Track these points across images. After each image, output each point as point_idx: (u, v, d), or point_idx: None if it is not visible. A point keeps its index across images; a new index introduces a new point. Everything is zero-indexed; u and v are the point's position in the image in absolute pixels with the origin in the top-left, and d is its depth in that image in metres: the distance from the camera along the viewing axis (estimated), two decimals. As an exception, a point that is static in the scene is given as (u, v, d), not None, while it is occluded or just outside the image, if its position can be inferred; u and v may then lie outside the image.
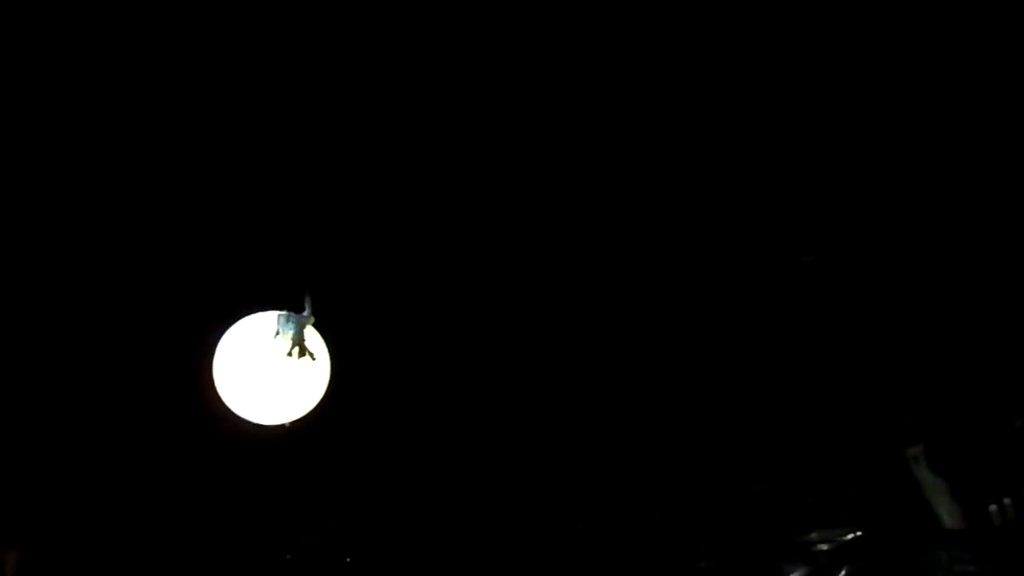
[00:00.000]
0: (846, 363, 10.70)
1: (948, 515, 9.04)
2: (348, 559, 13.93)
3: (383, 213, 10.27)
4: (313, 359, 9.33)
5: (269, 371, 9.72)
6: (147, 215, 10.12)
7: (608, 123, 9.22)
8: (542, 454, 11.74)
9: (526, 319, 11.35)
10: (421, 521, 12.68)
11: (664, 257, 10.57)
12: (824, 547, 8.39)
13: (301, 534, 14.30)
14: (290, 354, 9.19)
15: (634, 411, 11.40)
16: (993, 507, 8.54)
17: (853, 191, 9.94)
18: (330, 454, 12.64)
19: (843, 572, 8.24)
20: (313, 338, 9.39)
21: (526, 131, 9.21)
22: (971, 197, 9.73)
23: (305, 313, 9.50)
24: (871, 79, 8.96)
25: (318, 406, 9.27)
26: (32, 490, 14.19)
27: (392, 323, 11.37)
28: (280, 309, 9.59)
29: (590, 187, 9.93)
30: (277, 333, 9.40)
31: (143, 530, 14.81)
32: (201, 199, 10.13)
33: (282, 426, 10.17)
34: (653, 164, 9.70)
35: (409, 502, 12.61)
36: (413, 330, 11.36)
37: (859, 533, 8.20)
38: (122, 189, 9.88)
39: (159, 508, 14.46)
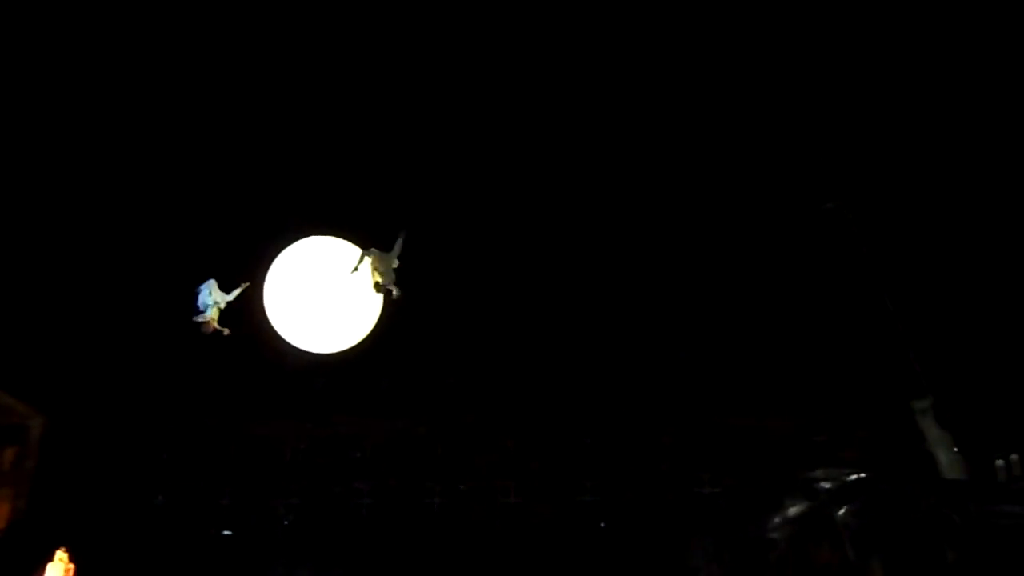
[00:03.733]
0: (864, 311, 10.88)
1: (949, 466, 9.34)
2: (358, 454, 14.40)
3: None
4: (394, 297, 9.36)
5: (322, 299, 9.84)
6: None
7: (646, 71, 9.31)
8: (560, 374, 12.05)
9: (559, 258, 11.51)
10: (446, 431, 13.06)
11: (691, 199, 10.67)
12: (827, 485, 8.64)
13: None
14: (378, 289, 9.28)
15: (656, 341, 11.65)
16: (1000, 462, 8.83)
17: (876, 144, 9.98)
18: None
19: (842, 511, 8.48)
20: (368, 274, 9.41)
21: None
22: (991, 152, 9.76)
23: (395, 252, 9.57)
24: (896, 42, 8.97)
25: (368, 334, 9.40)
26: (58, 360, 14.56)
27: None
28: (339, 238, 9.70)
29: (621, 136, 10.06)
30: (356, 268, 9.46)
31: (159, 405, 15.22)
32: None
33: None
34: (689, 114, 9.79)
35: (436, 416, 12.97)
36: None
37: (862, 475, 8.47)
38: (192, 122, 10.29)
39: (181, 388, 14.83)
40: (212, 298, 11.56)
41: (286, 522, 14.78)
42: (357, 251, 9.80)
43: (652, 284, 11.31)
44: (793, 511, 8.96)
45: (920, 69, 9.33)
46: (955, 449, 9.53)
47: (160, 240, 13.40)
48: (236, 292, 11.32)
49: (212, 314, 11.37)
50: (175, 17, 9.75)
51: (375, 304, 10.00)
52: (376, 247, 9.57)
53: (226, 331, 10.92)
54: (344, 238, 10.32)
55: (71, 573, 14.05)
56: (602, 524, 11.89)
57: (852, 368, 10.94)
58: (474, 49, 9.62)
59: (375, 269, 9.30)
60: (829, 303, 10.95)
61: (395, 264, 9.79)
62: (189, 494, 15.42)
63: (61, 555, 14.05)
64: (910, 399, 10.30)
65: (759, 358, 11.31)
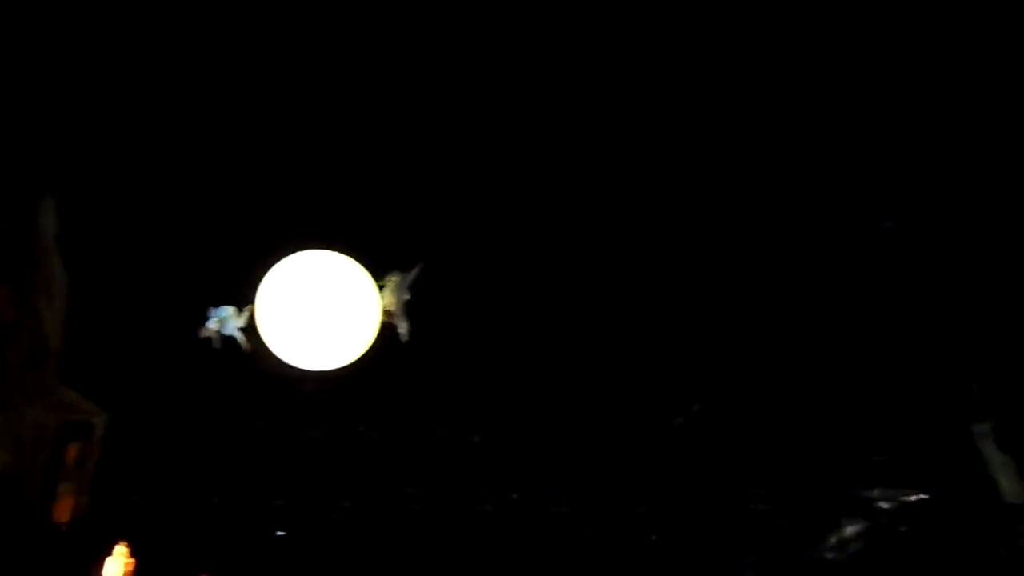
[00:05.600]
0: (923, 332, 10.81)
1: (1011, 491, 9.24)
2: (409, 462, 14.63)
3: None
4: (399, 333, 9.44)
5: (316, 315, 9.91)
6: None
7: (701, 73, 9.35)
8: (614, 384, 12.12)
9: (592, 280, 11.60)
10: (499, 438, 13.21)
11: (749, 215, 10.69)
12: (885, 505, 8.61)
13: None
14: (386, 316, 9.36)
15: (716, 359, 11.67)
16: (1066, 487, 8.71)
17: (938, 160, 9.93)
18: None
19: (902, 532, 8.46)
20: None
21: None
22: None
23: (407, 282, 9.63)
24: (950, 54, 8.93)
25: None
26: (122, 359, 15.01)
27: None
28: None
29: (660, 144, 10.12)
30: (383, 286, 9.55)
31: (216, 408, 15.62)
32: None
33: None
34: (739, 130, 9.82)
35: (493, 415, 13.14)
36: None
37: (923, 496, 8.43)
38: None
39: (236, 392, 15.20)
40: (223, 315, 12.52)
41: (337, 525, 15.06)
42: (350, 262, 9.84)
43: (710, 300, 11.35)
44: (850, 531, 8.97)
45: (993, 86, 9.27)
46: (1018, 474, 9.44)
47: (219, 246, 13.77)
48: (236, 338, 12.42)
49: (212, 326, 12.38)
50: (169, 35, 9.98)
51: (371, 321, 9.99)
52: (396, 270, 9.66)
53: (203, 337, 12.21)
54: (340, 251, 10.42)
55: (131, 567, 14.43)
56: (653, 537, 11.91)
57: (911, 388, 10.87)
58: (475, 62, 9.69)
59: (391, 299, 9.36)
60: (888, 323, 10.90)
61: (407, 296, 9.83)
62: (244, 494, 15.76)
63: (121, 549, 14.41)
64: (970, 422, 10.20)
65: (818, 375, 11.29)
